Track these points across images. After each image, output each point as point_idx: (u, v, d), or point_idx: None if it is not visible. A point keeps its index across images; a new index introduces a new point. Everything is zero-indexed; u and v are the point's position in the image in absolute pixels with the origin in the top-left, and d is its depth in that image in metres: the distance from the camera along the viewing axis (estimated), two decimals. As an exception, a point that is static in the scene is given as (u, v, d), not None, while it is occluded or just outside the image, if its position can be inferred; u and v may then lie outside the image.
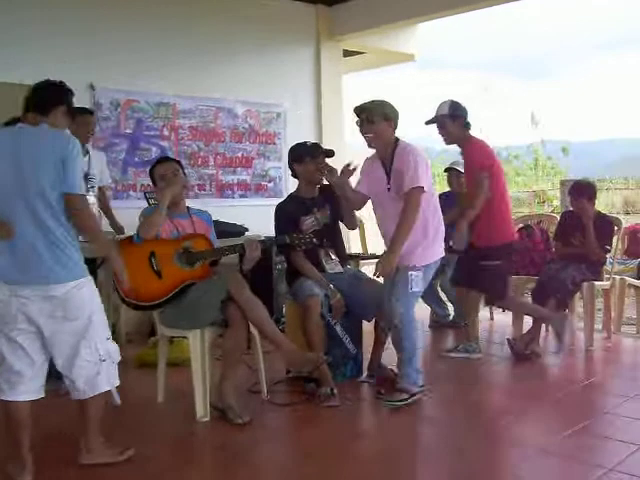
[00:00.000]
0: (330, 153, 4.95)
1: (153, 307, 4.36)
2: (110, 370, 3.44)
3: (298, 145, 5.04)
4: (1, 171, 3.22)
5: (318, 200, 4.97)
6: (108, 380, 3.44)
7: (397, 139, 4.55)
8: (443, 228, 4.63)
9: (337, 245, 5.03)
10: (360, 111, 4.54)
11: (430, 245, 4.50)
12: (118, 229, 5.83)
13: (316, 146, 5.04)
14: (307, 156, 4.86)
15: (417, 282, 4.43)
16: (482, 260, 5.30)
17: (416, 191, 4.31)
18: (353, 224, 5.13)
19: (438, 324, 6.85)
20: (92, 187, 5.43)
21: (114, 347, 3.48)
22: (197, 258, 4.29)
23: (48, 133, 3.32)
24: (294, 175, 5.01)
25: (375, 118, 4.46)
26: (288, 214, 4.87)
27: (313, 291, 4.66)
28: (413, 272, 4.40)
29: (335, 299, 4.75)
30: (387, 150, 4.52)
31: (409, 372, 4.44)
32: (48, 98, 3.41)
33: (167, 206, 4.27)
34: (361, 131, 4.55)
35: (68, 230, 3.28)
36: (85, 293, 3.34)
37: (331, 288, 4.75)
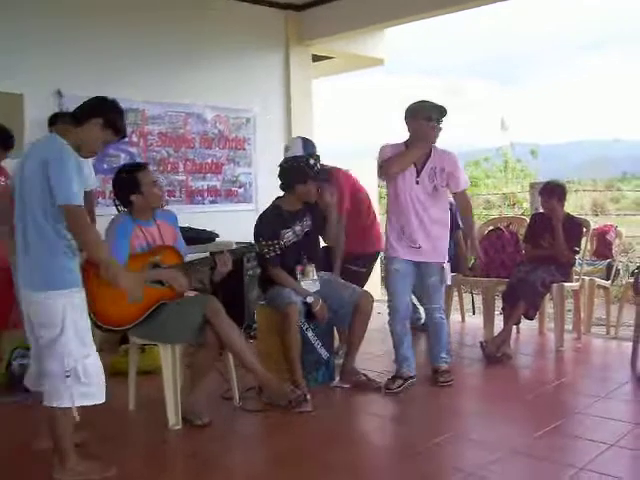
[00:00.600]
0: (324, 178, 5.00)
1: (122, 331, 4.33)
2: (76, 388, 3.33)
3: (302, 164, 4.90)
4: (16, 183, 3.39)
5: (300, 212, 4.94)
6: (70, 397, 3.33)
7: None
8: None
9: (315, 257, 5.01)
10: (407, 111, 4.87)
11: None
12: None
13: (324, 171, 5.00)
14: (309, 178, 4.85)
15: (449, 275, 5.02)
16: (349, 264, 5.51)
17: (467, 191, 5.08)
18: (336, 242, 5.25)
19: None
20: None
21: (92, 368, 3.38)
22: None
23: (47, 139, 3.42)
24: (284, 189, 4.96)
25: (444, 118, 4.85)
26: (268, 227, 4.82)
27: (291, 299, 4.65)
28: (445, 267, 4.91)
29: (318, 306, 4.75)
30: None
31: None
32: (86, 109, 3.45)
33: (134, 214, 4.21)
34: (427, 124, 4.80)
35: (55, 240, 3.29)
36: (58, 305, 3.30)
37: (311, 297, 4.75)
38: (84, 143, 3.43)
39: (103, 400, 3.46)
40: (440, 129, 4.83)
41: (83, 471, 3.45)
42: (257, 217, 4.98)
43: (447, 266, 4.96)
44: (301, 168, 4.87)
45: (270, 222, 4.85)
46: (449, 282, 5.07)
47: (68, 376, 3.31)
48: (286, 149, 5.30)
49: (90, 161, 5.97)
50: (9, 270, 4.06)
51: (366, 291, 5.04)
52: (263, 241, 4.40)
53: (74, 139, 3.40)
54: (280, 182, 4.94)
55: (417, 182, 4.80)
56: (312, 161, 4.89)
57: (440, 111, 4.81)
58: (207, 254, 4.44)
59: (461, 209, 5.26)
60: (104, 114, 3.44)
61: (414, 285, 5.02)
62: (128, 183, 4.21)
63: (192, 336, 4.08)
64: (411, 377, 4.88)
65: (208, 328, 4.05)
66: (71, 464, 3.42)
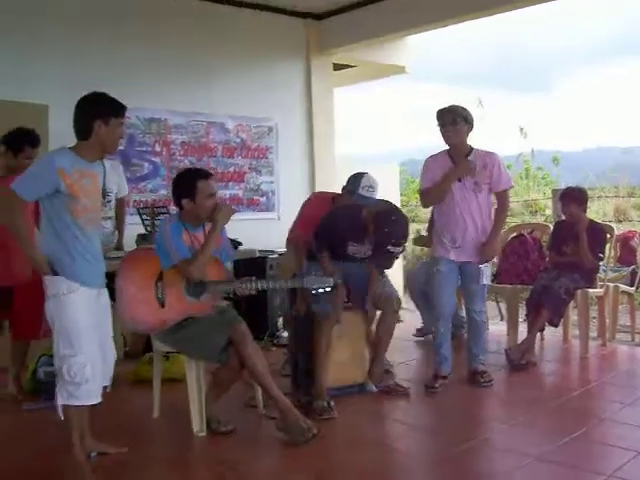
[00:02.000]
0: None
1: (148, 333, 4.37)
2: (65, 386, 3.44)
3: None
4: None
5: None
6: (61, 395, 3.46)
7: (471, 147, 4.99)
8: None
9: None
10: (445, 112, 4.91)
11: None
12: (120, 245, 5.87)
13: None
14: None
15: (487, 275, 5.10)
16: None
17: (509, 191, 5.10)
18: None
19: (423, 333, 6.67)
20: (109, 201, 5.42)
21: (77, 368, 3.41)
22: (205, 289, 4.12)
23: None
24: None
25: (458, 118, 4.88)
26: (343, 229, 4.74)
27: (329, 310, 4.62)
28: (482, 267, 4.99)
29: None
30: (462, 148, 4.95)
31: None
32: (80, 123, 3.50)
33: (183, 218, 4.17)
34: (442, 130, 4.90)
35: (44, 235, 3.48)
36: (51, 304, 3.45)
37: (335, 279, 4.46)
38: (107, 143, 3.53)
39: (92, 402, 3.51)
40: (452, 130, 4.86)
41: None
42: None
43: (486, 267, 5.04)
44: None
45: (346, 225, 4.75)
46: (486, 282, 5.09)
47: (56, 375, 3.49)
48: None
49: (121, 169, 6.09)
50: (41, 281, 4.11)
51: (395, 291, 5.04)
52: (315, 276, 4.27)
53: (90, 148, 3.51)
54: None
55: (459, 179, 4.90)
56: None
57: (440, 115, 4.90)
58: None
59: (497, 207, 5.12)
60: (97, 115, 3.46)
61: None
62: (185, 187, 4.14)
63: (215, 357, 4.04)
64: (449, 375, 5.04)
65: (232, 350, 4.01)
66: (77, 459, 3.53)
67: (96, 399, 3.52)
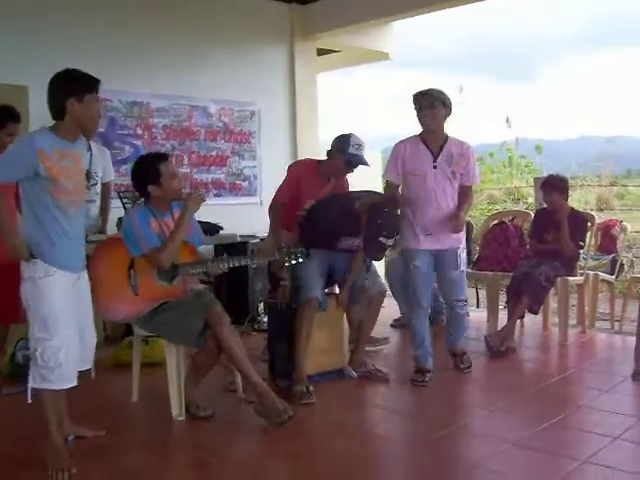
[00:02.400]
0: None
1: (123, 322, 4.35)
2: (38, 370, 3.41)
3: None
4: None
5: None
6: (34, 378, 3.43)
7: (447, 135, 4.88)
8: None
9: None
10: (421, 96, 4.78)
11: None
12: (103, 229, 5.84)
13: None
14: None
15: (464, 261, 5.02)
16: None
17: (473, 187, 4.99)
18: None
19: (400, 323, 6.65)
20: (94, 185, 5.40)
21: (51, 352, 3.37)
22: (178, 272, 4.10)
23: None
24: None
25: (435, 103, 4.74)
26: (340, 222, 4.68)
27: (313, 290, 4.61)
28: (459, 252, 4.90)
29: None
30: (439, 133, 4.83)
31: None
32: (53, 102, 3.42)
33: (151, 205, 4.16)
34: (419, 114, 4.78)
35: (25, 218, 3.44)
36: (27, 287, 3.42)
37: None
38: (84, 122, 3.43)
39: (65, 387, 3.46)
40: (430, 114, 4.74)
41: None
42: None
43: (463, 251, 4.95)
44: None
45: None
46: (463, 267, 4.97)
47: (30, 358, 3.45)
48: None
49: (108, 154, 6.04)
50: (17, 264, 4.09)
51: (381, 282, 5.06)
52: (285, 249, 4.26)
53: (69, 128, 3.42)
54: None
55: (435, 167, 4.77)
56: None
57: (416, 98, 4.81)
58: (210, 247, 4.41)
59: (463, 197, 4.93)
60: (69, 93, 3.37)
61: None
62: (148, 173, 4.12)
63: (193, 340, 4.03)
64: (431, 370, 4.92)
65: (209, 334, 4.00)
66: (54, 444, 3.48)
67: (70, 383, 3.47)
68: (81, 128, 3.47)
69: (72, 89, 3.38)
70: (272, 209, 5.08)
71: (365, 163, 4.93)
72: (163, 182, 4.09)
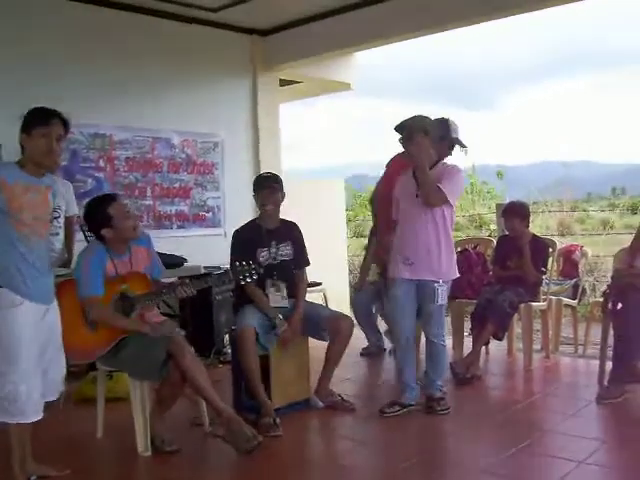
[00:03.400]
0: (273, 185, 4.91)
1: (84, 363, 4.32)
2: (1, 403, 3.38)
3: (255, 177, 5.11)
4: None
5: (279, 233, 4.95)
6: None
7: (437, 160, 4.73)
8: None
9: (289, 280, 4.95)
10: (400, 129, 4.78)
11: (451, 261, 4.79)
12: (67, 261, 5.77)
13: (262, 178, 5.02)
14: (256, 189, 4.91)
15: (444, 295, 4.72)
16: None
17: (443, 196, 4.56)
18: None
19: (368, 352, 6.65)
20: (56, 217, 5.35)
21: (10, 386, 3.35)
22: (135, 305, 4.10)
23: None
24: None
25: (414, 133, 4.61)
26: (245, 242, 4.83)
27: (247, 321, 4.61)
28: (436, 286, 4.67)
29: (282, 328, 4.71)
30: (428, 162, 4.65)
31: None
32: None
33: (108, 245, 4.15)
34: (403, 146, 4.77)
35: None
36: None
37: (279, 318, 4.72)
38: (36, 157, 3.42)
39: (26, 421, 3.41)
40: (408, 144, 4.69)
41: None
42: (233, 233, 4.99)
43: (441, 286, 4.68)
44: (254, 181, 5.02)
45: (244, 238, 4.87)
46: (441, 302, 4.71)
47: None
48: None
49: (71, 188, 5.98)
50: None
51: (347, 315, 5.07)
52: (239, 266, 4.30)
53: (30, 162, 3.45)
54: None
55: (417, 196, 4.66)
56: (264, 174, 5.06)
57: (397, 130, 4.88)
58: (174, 279, 4.40)
59: None
60: (21, 129, 3.42)
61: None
62: (98, 217, 4.12)
63: (155, 373, 4.00)
64: (411, 405, 4.81)
65: (171, 364, 3.97)
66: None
67: (33, 417, 3.42)
68: (34, 163, 3.44)
69: (24, 124, 3.42)
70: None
71: (464, 145, 5.14)
72: (115, 224, 4.09)
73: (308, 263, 5.12)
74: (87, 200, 4.53)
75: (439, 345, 4.83)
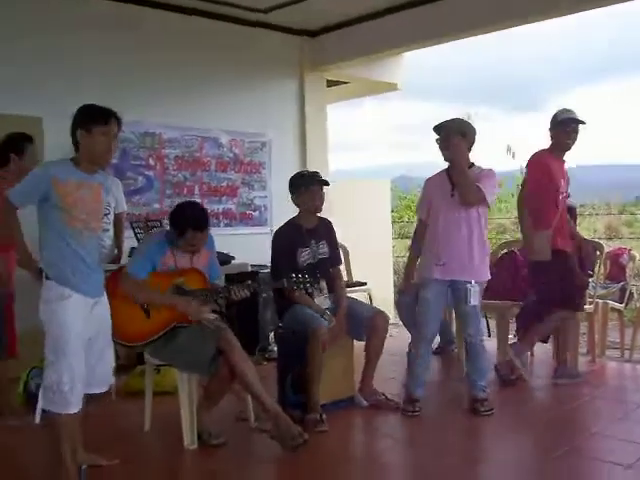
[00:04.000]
0: (323, 183, 4.97)
1: (134, 348, 4.40)
2: (45, 391, 3.50)
3: (294, 175, 5.07)
4: None
5: (317, 231, 4.99)
6: (42, 398, 3.59)
7: (472, 163, 4.81)
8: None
9: (327, 278, 4.99)
10: (438, 129, 4.80)
11: (484, 262, 4.84)
12: (117, 258, 5.87)
13: (309, 176, 5.02)
14: (299, 187, 4.91)
15: (476, 295, 4.75)
16: None
17: (482, 195, 4.65)
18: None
19: None
20: (106, 214, 5.50)
21: (56, 376, 3.41)
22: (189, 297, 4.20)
23: None
24: (297, 205, 5.01)
25: (452, 135, 4.71)
26: (285, 244, 4.87)
27: (319, 321, 4.64)
28: (469, 287, 4.71)
29: (332, 325, 4.74)
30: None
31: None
32: (71, 131, 3.54)
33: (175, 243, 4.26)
34: (440, 147, 4.78)
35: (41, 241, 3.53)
36: (42, 308, 3.48)
37: (327, 314, 4.76)
38: (93, 154, 3.50)
39: (69, 412, 3.44)
40: (443, 147, 4.77)
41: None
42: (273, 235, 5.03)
43: (474, 287, 4.74)
44: (292, 179, 5.01)
45: (285, 239, 4.91)
46: (474, 302, 4.75)
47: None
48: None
49: (121, 185, 6.08)
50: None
51: (381, 310, 5.08)
52: (295, 278, 4.36)
53: (84, 159, 3.53)
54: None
55: (452, 195, 4.74)
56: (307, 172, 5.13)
57: (435, 130, 4.85)
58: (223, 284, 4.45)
59: None
60: (79, 125, 3.49)
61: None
62: (179, 224, 4.21)
63: (205, 368, 4.07)
64: (419, 399, 4.87)
65: (221, 360, 4.04)
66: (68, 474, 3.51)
67: (73, 408, 3.46)
68: (90, 160, 3.53)
69: (81, 121, 3.49)
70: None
71: (578, 119, 5.29)
72: (182, 242, 4.21)
73: (341, 260, 5.16)
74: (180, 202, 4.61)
75: (478, 346, 4.85)
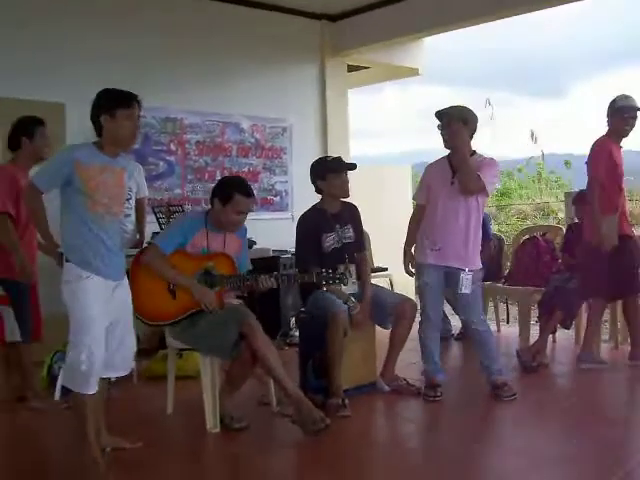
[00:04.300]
0: (352, 167, 4.97)
1: (158, 326, 4.42)
2: (66, 369, 3.56)
3: (319, 161, 5.07)
4: None
5: (342, 216, 4.98)
6: (63, 376, 3.61)
7: (474, 151, 4.80)
8: None
9: (354, 262, 4.99)
10: (440, 115, 4.78)
11: (477, 250, 4.85)
12: (139, 243, 5.90)
13: (337, 161, 5.00)
14: (329, 172, 4.89)
15: (468, 284, 4.75)
16: None
17: (482, 184, 4.64)
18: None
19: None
20: (128, 199, 5.55)
21: (74, 355, 3.42)
22: (216, 283, 4.21)
23: None
24: (318, 191, 4.99)
25: (453, 121, 4.70)
26: (311, 228, 4.87)
27: (339, 306, 4.64)
28: (463, 275, 4.73)
29: (356, 311, 4.76)
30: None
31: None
32: (92, 115, 3.52)
33: (212, 219, 4.28)
34: (441, 133, 4.78)
35: (62, 223, 3.54)
36: (64, 289, 3.49)
37: (352, 300, 4.77)
38: (114, 140, 3.50)
39: (87, 392, 3.43)
40: (445, 133, 4.76)
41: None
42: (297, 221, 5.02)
43: (467, 274, 4.74)
44: (316, 165, 4.99)
45: (310, 225, 4.89)
46: (465, 290, 4.74)
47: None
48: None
49: (142, 170, 6.10)
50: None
51: (409, 298, 5.08)
52: (325, 273, 4.32)
53: (107, 142, 3.52)
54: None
55: (452, 183, 4.75)
56: (330, 158, 5.11)
57: (437, 116, 4.82)
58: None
59: None
60: (101, 109, 3.47)
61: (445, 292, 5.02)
62: (223, 191, 4.25)
63: (227, 352, 4.09)
64: (441, 384, 4.89)
65: (243, 344, 4.06)
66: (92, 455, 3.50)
67: (91, 390, 3.45)
68: (115, 144, 3.53)
69: (105, 105, 3.49)
70: None
71: (637, 107, 5.33)
72: (227, 210, 4.20)
73: (367, 246, 5.15)
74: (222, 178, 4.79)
75: (482, 332, 4.86)
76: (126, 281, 3.72)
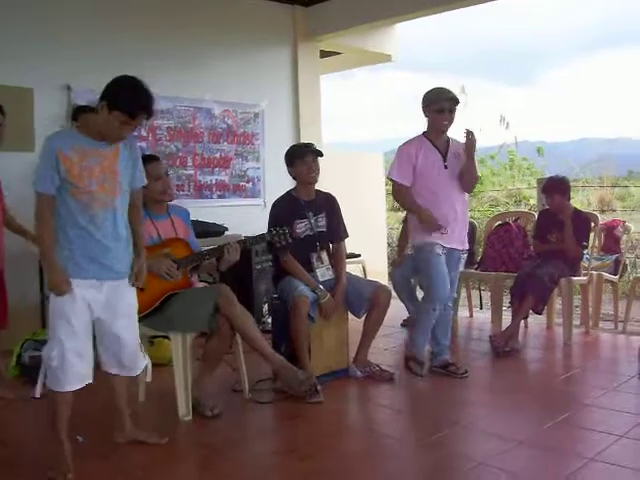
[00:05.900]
0: (318, 153, 4.95)
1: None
2: (43, 366, 3.42)
3: (290, 148, 5.07)
4: None
5: (316, 204, 4.99)
6: (41, 372, 3.44)
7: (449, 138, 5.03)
8: None
9: (328, 251, 5.04)
10: (445, 98, 4.87)
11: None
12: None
13: (303, 146, 5.04)
14: (295, 158, 4.89)
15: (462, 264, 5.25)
16: None
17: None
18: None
19: (409, 323, 6.61)
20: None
21: (48, 350, 3.33)
22: (179, 266, 4.18)
23: None
24: (293, 178, 5.01)
25: (455, 106, 4.92)
26: (283, 214, 4.85)
27: (302, 291, 4.65)
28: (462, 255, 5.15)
29: (325, 300, 4.76)
30: (445, 136, 4.99)
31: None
32: (101, 94, 3.30)
33: (148, 205, 4.18)
34: (439, 115, 4.87)
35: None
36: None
37: (320, 289, 4.76)
38: (103, 130, 3.29)
39: (62, 390, 3.37)
40: (448, 117, 4.87)
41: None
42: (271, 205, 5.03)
43: (464, 254, 5.15)
44: (287, 152, 5.01)
45: (282, 210, 4.89)
46: (462, 268, 5.25)
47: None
48: None
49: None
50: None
51: (383, 285, 5.08)
52: (275, 231, 4.41)
53: (93, 128, 3.33)
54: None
55: (445, 167, 4.87)
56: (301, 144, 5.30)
57: (438, 97, 4.87)
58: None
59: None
60: (107, 96, 3.26)
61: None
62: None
63: (204, 324, 4.07)
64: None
65: (220, 316, 4.06)
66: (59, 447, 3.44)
67: (66, 387, 3.36)
68: (99, 133, 3.32)
69: (114, 96, 3.27)
70: None
71: None
72: (147, 183, 4.00)
73: (347, 235, 5.16)
74: None
75: (450, 309, 5.16)
76: (125, 280, 3.52)
